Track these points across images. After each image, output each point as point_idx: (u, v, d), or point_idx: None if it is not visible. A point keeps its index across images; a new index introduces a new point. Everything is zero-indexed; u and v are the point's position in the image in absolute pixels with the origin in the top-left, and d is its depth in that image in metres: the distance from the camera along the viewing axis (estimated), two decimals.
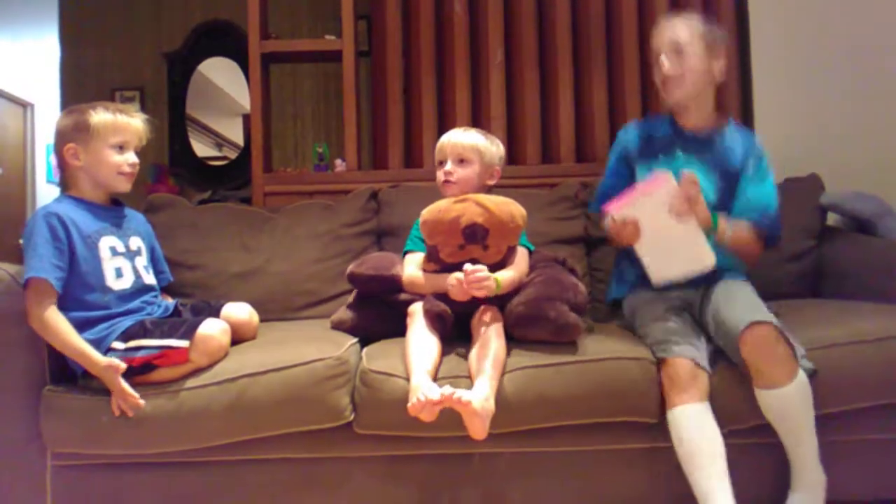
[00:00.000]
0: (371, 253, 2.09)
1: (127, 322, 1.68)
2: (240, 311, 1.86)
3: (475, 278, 1.65)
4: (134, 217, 1.90)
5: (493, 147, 1.99)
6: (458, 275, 1.68)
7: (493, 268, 1.73)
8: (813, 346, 1.63)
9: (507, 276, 1.73)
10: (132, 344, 1.63)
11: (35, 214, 1.68)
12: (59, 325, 1.60)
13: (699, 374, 1.59)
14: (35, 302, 1.60)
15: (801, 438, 1.57)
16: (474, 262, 1.72)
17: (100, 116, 1.75)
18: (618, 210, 1.72)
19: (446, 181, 1.93)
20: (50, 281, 1.60)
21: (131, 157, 1.79)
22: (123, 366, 1.58)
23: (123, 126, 1.78)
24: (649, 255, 1.76)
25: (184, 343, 1.61)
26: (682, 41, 1.83)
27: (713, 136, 1.90)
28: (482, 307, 1.71)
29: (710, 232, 1.73)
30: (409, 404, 1.49)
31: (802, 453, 1.57)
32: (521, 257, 1.84)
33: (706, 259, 1.72)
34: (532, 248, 1.92)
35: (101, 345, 1.63)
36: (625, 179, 1.93)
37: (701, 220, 1.69)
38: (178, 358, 1.62)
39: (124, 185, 1.80)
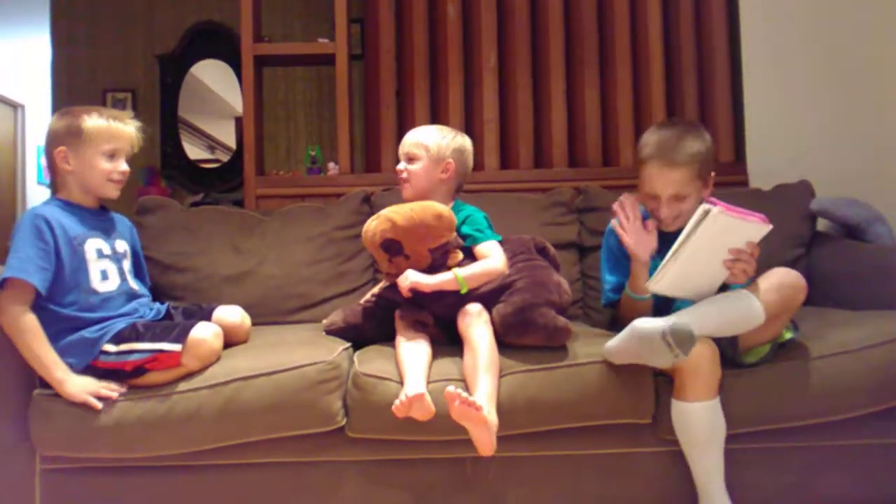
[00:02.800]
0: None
1: (119, 324, 1.68)
2: (231, 314, 1.85)
3: (404, 288, 1.71)
4: (120, 221, 1.89)
5: (443, 141, 1.96)
6: (400, 280, 1.73)
7: (432, 272, 1.75)
8: (799, 358, 1.64)
9: (467, 272, 1.74)
10: (124, 347, 1.63)
11: (23, 216, 1.68)
12: (30, 329, 1.59)
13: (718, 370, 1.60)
14: (9, 301, 1.58)
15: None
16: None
17: (93, 122, 1.74)
18: (725, 211, 1.53)
19: (400, 180, 1.97)
20: (30, 282, 1.59)
21: (122, 166, 1.78)
22: (93, 401, 1.57)
23: (116, 133, 1.77)
24: (676, 265, 1.59)
25: (176, 347, 1.60)
26: (682, 192, 1.73)
27: None
28: (464, 307, 1.71)
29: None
30: (395, 404, 1.50)
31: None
32: (489, 249, 1.82)
33: (713, 289, 1.65)
34: (499, 238, 1.89)
35: (95, 346, 1.63)
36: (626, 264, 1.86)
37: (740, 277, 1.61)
38: (170, 362, 1.61)
39: (113, 192, 1.79)
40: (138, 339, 1.63)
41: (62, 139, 1.74)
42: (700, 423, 1.58)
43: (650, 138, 1.77)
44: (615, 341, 1.59)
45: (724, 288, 1.66)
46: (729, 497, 1.59)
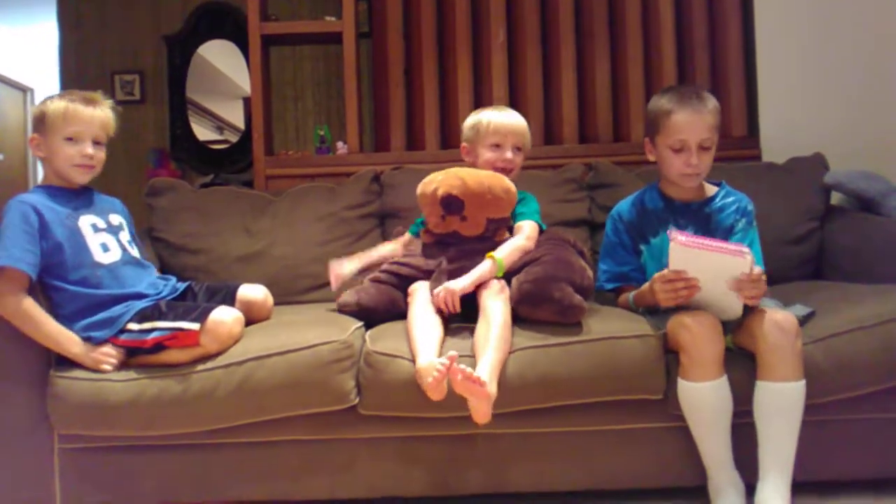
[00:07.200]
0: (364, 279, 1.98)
1: (143, 303, 1.70)
2: (255, 291, 1.89)
3: (441, 300, 1.68)
4: (107, 199, 1.89)
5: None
6: (438, 290, 1.71)
7: (477, 241, 1.78)
8: (814, 338, 1.62)
9: (504, 252, 1.76)
10: (146, 325, 1.65)
11: (7, 205, 1.68)
12: (30, 312, 1.60)
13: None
14: (7, 290, 1.59)
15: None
16: (455, 234, 1.80)
17: (53, 106, 1.72)
18: (684, 243, 1.56)
19: (505, 168, 1.94)
20: (20, 268, 1.60)
21: (85, 149, 1.74)
22: (112, 360, 1.63)
23: (73, 116, 1.73)
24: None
25: (195, 326, 1.62)
26: (710, 139, 1.78)
27: (705, 204, 1.87)
28: (489, 280, 1.72)
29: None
30: (428, 381, 1.48)
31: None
32: (528, 228, 1.86)
33: (737, 311, 1.62)
34: (544, 227, 1.93)
35: (117, 323, 1.65)
36: (633, 253, 1.89)
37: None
38: (189, 340, 1.63)
39: (80, 177, 1.78)
40: (161, 317, 1.66)
41: (35, 126, 1.76)
42: (706, 402, 1.58)
43: (670, 95, 1.81)
44: None
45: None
46: (738, 474, 1.59)
